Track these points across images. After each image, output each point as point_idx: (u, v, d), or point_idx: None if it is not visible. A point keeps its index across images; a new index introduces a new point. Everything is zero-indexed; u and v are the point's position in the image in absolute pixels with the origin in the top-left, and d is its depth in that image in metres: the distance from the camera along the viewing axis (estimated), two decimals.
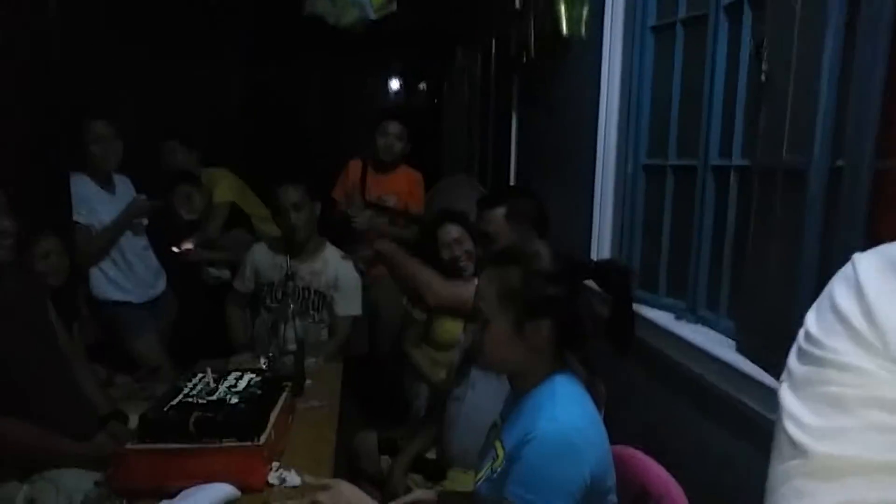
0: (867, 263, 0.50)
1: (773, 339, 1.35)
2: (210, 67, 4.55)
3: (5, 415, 1.65)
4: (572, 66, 2.54)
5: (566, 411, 1.10)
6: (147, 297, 2.84)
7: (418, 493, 1.57)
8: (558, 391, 1.12)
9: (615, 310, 1.21)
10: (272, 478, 1.42)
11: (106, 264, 2.72)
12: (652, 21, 2.02)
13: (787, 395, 0.49)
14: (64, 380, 1.85)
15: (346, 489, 1.26)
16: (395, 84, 5.60)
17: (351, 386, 2.05)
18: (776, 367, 1.32)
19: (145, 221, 2.90)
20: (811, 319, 0.51)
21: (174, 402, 1.50)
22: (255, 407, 1.51)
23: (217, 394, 1.55)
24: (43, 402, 1.72)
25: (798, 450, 0.46)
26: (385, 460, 2.07)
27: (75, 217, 2.61)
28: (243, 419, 1.44)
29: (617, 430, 1.19)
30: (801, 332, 0.52)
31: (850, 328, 0.47)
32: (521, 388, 1.21)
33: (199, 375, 1.66)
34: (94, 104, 2.94)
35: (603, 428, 1.14)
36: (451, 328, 2.33)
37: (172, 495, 1.32)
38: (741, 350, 1.49)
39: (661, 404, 1.82)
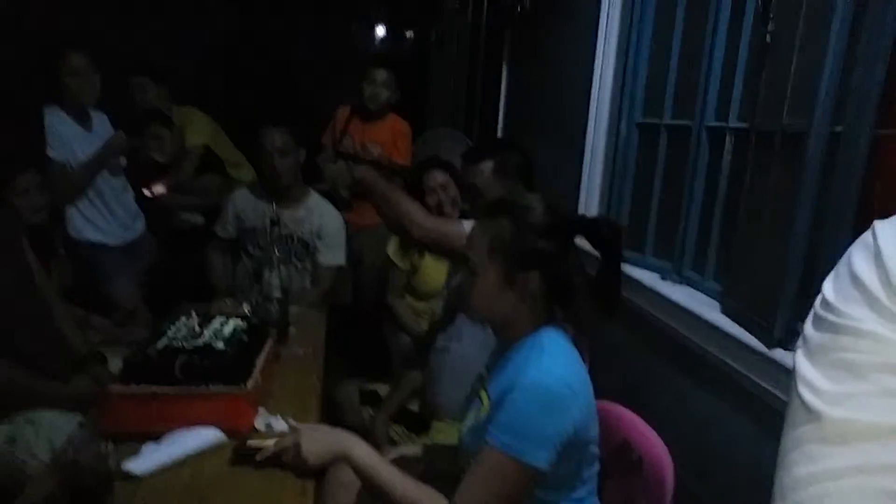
0: (888, 231, 0.49)
1: (759, 301, 1.38)
2: (192, 4, 4.37)
3: None
4: (568, 19, 2.49)
5: (553, 362, 1.11)
6: (125, 240, 2.78)
7: (403, 449, 1.59)
8: (546, 343, 1.13)
9: (603, 268, 1.21)
10: (258, 423, 1.41)
11: (83, 204, 2.64)
12: None
13: (801, 361, 0.50)
14: (41, 320, 1.81)
15: (320, 429, 1.29)
16: (381, 30, 5.44)
17: (333, 336, 2.05)
18: (761, 328, 1.35)
19: (123, 161, 2.81)
20: (828, 286, 0.51)
21: (159, 345, 1.48)
22: (241, 352, 1.49)
23: (202, 338, 1.53)
24: (20, 342, 1.69)
25: (812, 414, 0.46)
26: (367, 411, 2.09)
27: (49, 152, 2.52)
28: (230, 364, 1.43)
29: (600, 387, 1.20)
30: (818, 299, 0.51)
31: (867, 294, 0.47)
32: (507, 340, 1.22)
33: (183, 318, 1.64)
34: (70, 35, 2.80)
35: (588, 380, 1.16)
36: (435, 277, 2.33)
37: (157, 439, 1.32)
38: (726, 311, 1.52)
39: (644, 363, 1.86)
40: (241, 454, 1.28)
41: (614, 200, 2.15)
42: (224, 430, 1.35)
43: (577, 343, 1.20)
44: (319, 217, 2.53)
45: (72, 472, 1.11)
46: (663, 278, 1.84)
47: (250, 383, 1.42)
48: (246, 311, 1.87)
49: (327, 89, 3.88)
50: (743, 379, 1.36)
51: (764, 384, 1.30)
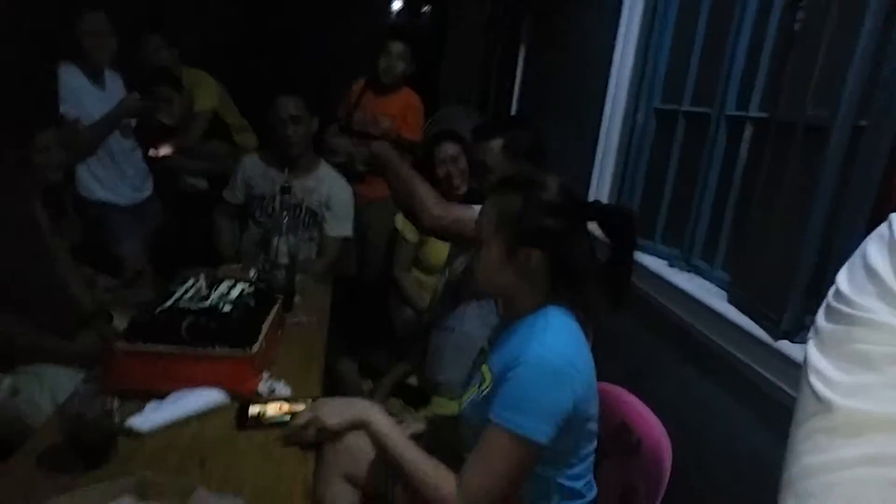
0: None
1: (768, 292, 1.37)
2: None
3: None
4: (590, 1, 2.45)
5: (556, 339, 1.11)
6: (133, 200, 2.78)
7: (407, 425, 1.60)
8: (550, 320, 1.13)
9: (613, 257, 1.21)
10: (262, 387, 1.43)
11: (93, 163, 2.64)
12: None
13: (813, 352, 0.49)
14: (47, 276, 1.82)
15: (336, 399, 1.31)
16: (398, 3, 5.37)
17: (337, 308, 2.05)
18: (768, 320, 1.34)
19: (133, 122, 2.80)
20: (842, 277, 0.50)
21: (166, 305, 1.49)
22: (247, 316, 1.50)
23: (209, 301, 1.53)
24: (26, 298, 1.70)
25: (823, 405, 0.46)
26: (366, 384, 2.11)
27: (62, 109, 2.51)
28: (236, 327, 1.44)
29: (602, 371, 1.20)
30: (832, 291, 0.51)
31: (881, 286, 0.46)
32: (511, 315, 1.23)
33: (192, 280, 1.64)
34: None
35: (591, 358, 1.16)
36: (443, 250, 2.33)
37: (162, 397, 1.33)
38: (733, 301, 1.51)
39: (648, 349, 1.86)
40: (248, 422, 1.29)
41: (627, 185, 2.13)
42: (227, 393, 1.36)
43: (582, 325, 1.20)
44: (329, 188, 2.52)
45: (76, 426, 1.12)
46: (671, 265, 1.83)
47: (255, 347, 1.42)
48: (252, 276, 1.87)
49: (342, 61, 3.84)
50: (747, 369, 1.36)
51: (768, 375, 1.30)
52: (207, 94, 3.18)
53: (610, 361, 1.30)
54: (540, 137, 1.81)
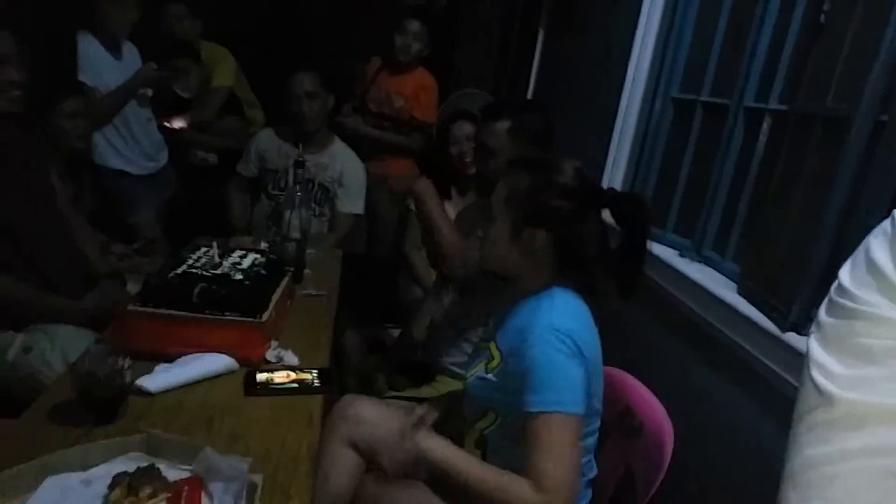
0: None
1: (778, 283, 1.37)
2: None
3: (8, 270, 1.65)
4: None
5: (563, 314, 1.12)
6: (148, 170, 2.80)
7: (419, 412, 1.61)
8: (556, 299, 1.14)
9: (623, 246, 1.20)
10: (270, 355, 1.44)
11: (109, 131, 2.66)
12: None
13: (815, 346, 0.50)
14: (61, 239, 1.84)
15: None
16: None
17: (346, 284, 2.06)
18: (777, 311, 1.35)
19: (150, 92, 2.81)
20: (845, 272, 0.51)
21: (178, 271, 1.50)
22: (258, 285, 1.51)
23: (221, 269, 1.55)
24: (40, 259, 1.72)
25: (824, 397, 0.46)
26: (372, 358, 2.12)
27: (80, 77, 2.53)
28: (246, 295, 1.45)
29: (608, 356, 1.21)
30: (834, 285, 0.51)
31: (883, 281, 0.47)
32: (517, 293, 1.23)
33: (204, 249, 1.65)
34: None
35: (597, 335, 1.17)
36: None
37: (171, 360, 1.34)
38: (742, 292, 1.52)
39: (655, 337, 1.86)
40: (256, 388, 1.31)
41: (641, 173, 2.13)
42: (236, 359, 1.37)
43: (589, 307, 1.20)
44: (342, 164, 2.53)
45: (88, 382, 1.14)
46: (682, 255, 1.83)
47: (265, 315, 1.44)
48: (264, 248, 1.89)
49: (358, 38, 3.82)
50: (754, 361, 1.37)
51: (774, 367, 1.30)
52: (226, 70, 3.18)
53: (616, 347, 1.31)
54: (549, 122, 1.78)
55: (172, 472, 0.98)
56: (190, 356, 1.36)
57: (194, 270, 1.52)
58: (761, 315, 1.40)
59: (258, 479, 0.97)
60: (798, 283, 1.29)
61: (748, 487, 1.38)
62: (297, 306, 1.75)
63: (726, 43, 1.83)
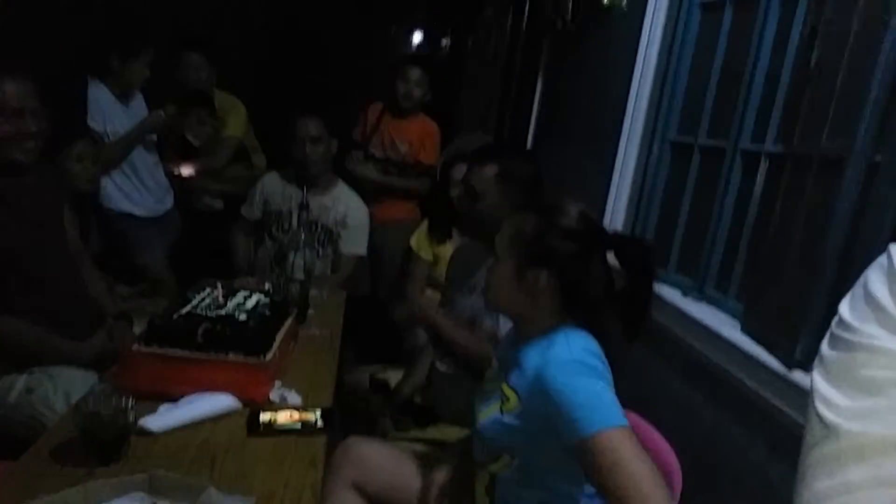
0: None
1: (782, 322, 1.38)
2: None
3: (10, 307, 1.65)
4: (608, 35, 2.50)
5: (579, 348, 1.12)
6: (155, 213, 2.84)
7: (416, 447, 1.60)
8: (570, 335, 1.15)
9: (628, 289, 1.20)
10: (274, 395, 1.44)
11: (117, 175, 2.71)
12: None
13: (818, 379, 0.51)
14: (70, 279, 1.85)
15: None
16: (419, 33, 5.50)
17: (349, 325, 2.07)
18: (781, 349, 1.35)
19: (155, 137, 2.87)
20: (845, 306, 0.52)
21: (183, 311, 1.51)
22: (262, 326, 1.52)
23: (226, 309, 1.56)
24: (49, 300, 1.73)
25: (829, 430, 0.47)
26: (375, 399, 2.11)
27: (89, 122, 2.59)
28: (250, 335, 1.46)
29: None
30: (835, 319, 0.53)
31: (882, 313, 0.48)
32: (524, 335, 1.24)
33: (208, 290, 1.67)
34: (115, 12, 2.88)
35: (609, 368, 1.17)
36: None
37: (174, 400, 1.34)
38: (747, 331, 1.52)
39: (661, 377, 1.86)
40: (259, 428, 1.30)
41: (641, 214, 2.15)
42: (240, 399, 1.37)
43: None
44: (345, 207, 2.57)
45: (91, 422, 1.13)
46: (685, 294, 1.84)
47: (269, 355, 1.44)
48: (268, 289, 1.90)
49: (361, 85, 3.91)
50: (760, 399, 1.36)
51: (781, 405, 1.30)
52: (237, 120, 3.22)
53: (622, 386, 1.30)
54: (537, 165, 1.79)
55: None
56: (193, 396, 1.35)
57: (199, 311, 1.53)
58: (766, 353, 1.40)
59: None
60: (801, 321, 1.30)
61: None
62: (300, 347, 1.75)
63: (721, 87, 1.88)
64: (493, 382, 1.33)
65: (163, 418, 1.27)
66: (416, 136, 3.14)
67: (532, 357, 1.17)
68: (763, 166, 1.65)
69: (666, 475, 1.20)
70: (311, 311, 1.96)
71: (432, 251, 2.46)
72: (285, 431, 1.31)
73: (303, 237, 1.99)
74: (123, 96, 2.72)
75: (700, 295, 1.80)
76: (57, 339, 1.73)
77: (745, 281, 1.68)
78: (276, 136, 3.18)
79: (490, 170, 1.68)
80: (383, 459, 1.36)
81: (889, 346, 0.47)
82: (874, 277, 0.51)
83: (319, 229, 2.53)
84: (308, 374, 1.60)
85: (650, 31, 2.16)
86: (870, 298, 0.50)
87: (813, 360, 1.27)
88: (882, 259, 0.52)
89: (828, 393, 0.50)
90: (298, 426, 1.32)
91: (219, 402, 1.35)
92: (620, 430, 1.01)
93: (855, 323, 0.50)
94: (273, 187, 2.61)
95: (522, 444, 1.17)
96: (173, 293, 2.37)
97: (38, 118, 1.70)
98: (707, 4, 1.97)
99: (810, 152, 1.37)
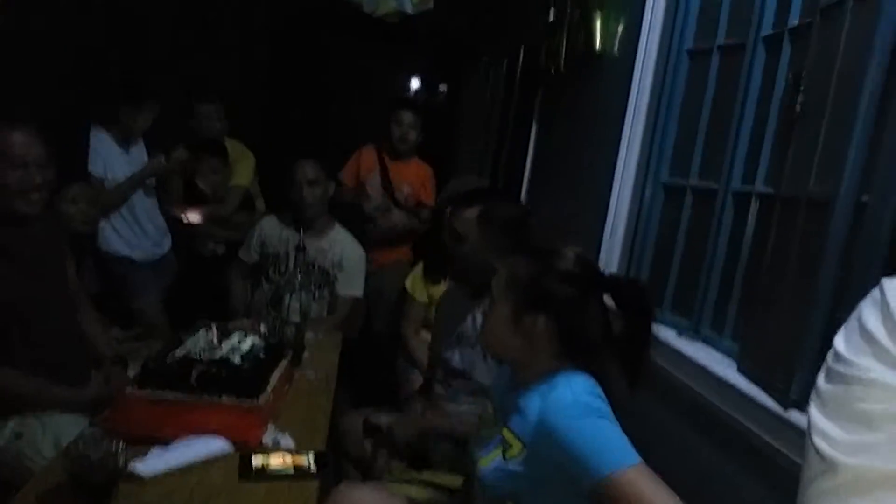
0: (895, 286, 0.52)
1: (777, 362, 1.37)
2: (237, 37, 4.55)
3: (9, 357, 1.64)
4: (600, 81, 2.57)
5: (581, 391, 1.12)
6: (152, 257, 2.86)
7: (411, 491, 1.57)
8: (571, 377, 1.14)
9: (626, 332, 1.20)
10: (267, 438, 1.42)
11: (116, 219, 2.74)
12: (689, 44, 2.04)
13: (815, 413, 0.51)
14: (69, 327, 1.85)
15: None
16: (416, 81, 5.62)
17: (344, 367, 2.06)
18: (777, 388, 1.34)
19: (154, 181, 2.90)
20: (840, 340, 0.53)
21: (177, 354, 1.51)
22: (256, 368, 1.51)
23: (220, 352, 1.55)
24: (48, 349, 1.72)
25: (827, 464, 0.47)
26: (369, 443, 2.08)
27: (90, 168, 2.63)
28: (245, 378, 1.45)
29: None
30: (830, 353, 0.53)
31: (877, 347, 0.49)
32: (523, 379, 1.23)
33: (202, 332, 1.66)
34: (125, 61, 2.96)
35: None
36: None
37: (166, 444, 1.32)
38: (743, 371, 1.51)
39: (657, 417, 1.84)
40: (251, 472, 1.28)
41: (636, 256, 2.17)
42: (233, 442, 1.35)
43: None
44: (342, 249, 2.58)
45: (80, 465, 1.12)
46: (680, 335, 1.84)
47: (262, 398, 1.43)
48: (263, 331, 1.89)
49: (358, 129, 3.98)
50: (757, 439, 1.35)
51: (778, 445, 1.28)
52: (246, 170, 3.25)
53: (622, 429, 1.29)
54: (522, 208, 1.79)
55: None
56: (185, 439, 1.34)
57: (193, 354, 1.52)
58: (763, 393, 1.40)
59: None
60: (796, 361, 1.30)
61: None
62: (295, 389, 1.74)
63: (711, 130, 1.92)
64: (490, 428, 1.31)
65: (153, 462, 1.25)
66: (415, 178, 3.20)
67: (533, 401, 1.15)
68: (754, 207, 1.67)
69: None
70: (306, 354, 1.96)
71: (427, 293, 2.47)
72: (278, 476, 1.29)
73: (299, 279, 2.00)
74: (125, 142, 2.77)
75: (695, 335, 1.80)
76: (55, 388, 1.71)
77: (739, 321, 1.68)
78: (275, 180, 3.23)
79: (472, 213, 1.70)
80: None
81: (884, 378, 0.48)
82: (868, 311, 0.52)
83: (316, 271, 2.54)
84: (302, 416, 1.58)
85: (640, 76, 2.22)
86: (864, 332, 0.51)
87: (808, 400, 1.27)
88: (875, 293, 0.53)
89: (825, 426, 0.50)
90: (291, 470, 1.31)
91: (210, 445, 1.34)
92: (634, 468, 1.01)
93: (850, 356, 0.51)
94: (270, 230, 2.63)
95: (527, 490, 1.16)
96: (167, 337, 2.37)
97: (43, 169, 1.69)
98: (694, 51, 2.03)
99: (798, 195, 1.39)
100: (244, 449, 1.36)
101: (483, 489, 1.25)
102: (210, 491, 1.21)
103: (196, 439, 1.34)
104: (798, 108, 1.46)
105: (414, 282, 2.50)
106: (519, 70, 3.85)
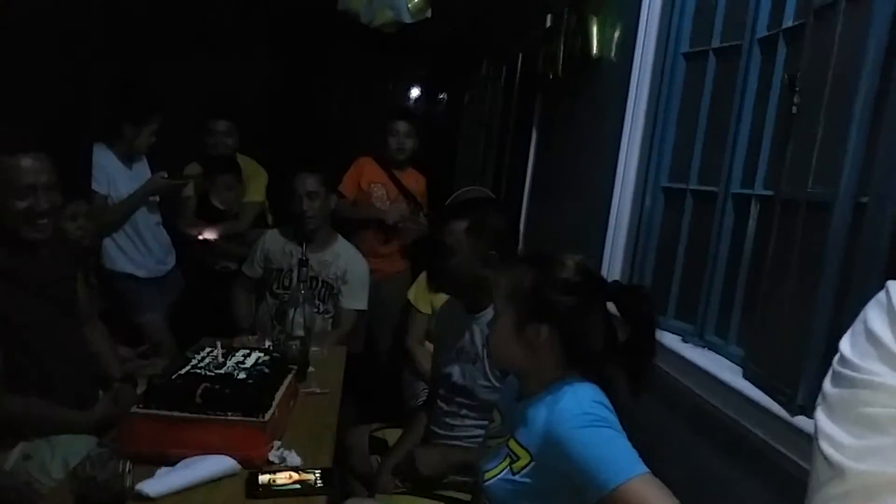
0: None
1: (782, 367, 1.37)
2: (239, 53, 4.58)
3: (18, 383, 1.65)
4: (598, 86, 2.57)
5: (587, 400, 1.12)
6: (157, 273, 2.87)
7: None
8: (576, 387, 1.14)
9: (630, 340, 1.21)
10: (273, 456, 1.42)
11: (119, 237, 2.75)
12: (685, 47, 2.04)
13: (822, 418, 0.51)
14: (78, 349, 1.85)
15: None
16: (416, 90, 5.64)
17: (348, 382, 2.06)
18: (783, 394, 1.33)
19: (158, 198, 2.92)
20: (845, 344, 0.53)
21: (182, 371, 1.51)
22: (261, 384, 1.51)
23: (225, 368, 1.56)
24: (57, 372, 1.73)
25: (834, 469, 0.47)
26: (375, 459, 2.07)
27: (94, 186, 2.65)
28: (250, 395, 1.45)
29: None
30: (836, 357, 0.53)
31: (883, 350, 0.48)
32: (529, 390, 1.23)
33: (208, 349, 1.67)
34: (128, 76, 2.98)
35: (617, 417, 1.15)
36: None
37: (173, 463, 1.33)
38: (748, 376, 1.50)
39: (662, 424, 1.83)
40: (258, 490, 1.28)
41: (638, 261, 2.16)
42: (239, 460, 1.36)
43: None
44: (346, 261, 2.59)
45: (87, 487, 1.12)
46: (685, 341, 1.83)
47: (268, 415, 1.43)
48: (268, 346, 1.90)
49: (359, 141, 4.00)
50: (764, 445, 1.34)
51: (785, 451, 1.27)
52: (259, 186, 3.27)
53: (628, 436, 1.29)
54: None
55: None
56: (192, 459, 1.34)
57: (198, 371, 1.53)
58: (769, 399, 1.39)
59: None
60: (800, 366, 1.29)
61: None
62: (300, 405, 1.74)
63: (709, 132, 1.91)
64: (497, 439, 1.31)
65: (160, 482, 1.26)
66: (414, 186, 3.21)
67: (539, 412, 1.15)
68: (754, 210, 1.67)
69: None
70: (311, 369, 1.96)
71: (431, 304, 2.47)
72: (284, 493, 1.29)
73: (302, 293, 2.00)
74: (128, 160, 2.79)
75: (700, 341, 1.79)
76: (62, 411, 1.72)
77: (743, 325, 1.67)
78: (275, 193, 3.24)
79: (459, 225, 1.70)
80: None
81: (891, 382, 0.47)
82: (873, 314, 0.52)
83: (320, 285, 2.54)
84: (308, 432, 1.59)
85: (638, 80, 2.22)
86: (870, 335, 0.51)
87: (815, 405, 1.26)
88: (881, 296, 0.53)
89: (832, 431, 0.50)
90: (297, 487, 1.31)
91: (217, 464, 1.34)
92: (641, 478, 1.01)
93: (856, 360, 0.50)
94: (273, 245, 2.64)
95: (535, 502, 1.15)
96: (173, 354, 2.38)
97: (50, 194, 1.67)
98: (690, 54, 2.03)
99: (797, 197, 1.38)
100: (250, 466, 1.36)
101: (490, 501, 1.25)
102: None
103: (203, 458, 1.34)
104: (794, 109, 1.46)
105: (417, 293, 2.50)
106: (518, 77, 3.86)
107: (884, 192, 1.18)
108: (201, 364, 1.57)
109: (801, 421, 1.27)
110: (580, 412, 1.09)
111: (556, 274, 1.20)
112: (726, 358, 1.67)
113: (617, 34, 2.40)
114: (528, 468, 1.15)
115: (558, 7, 2.88)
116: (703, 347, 1.78)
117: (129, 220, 2.77)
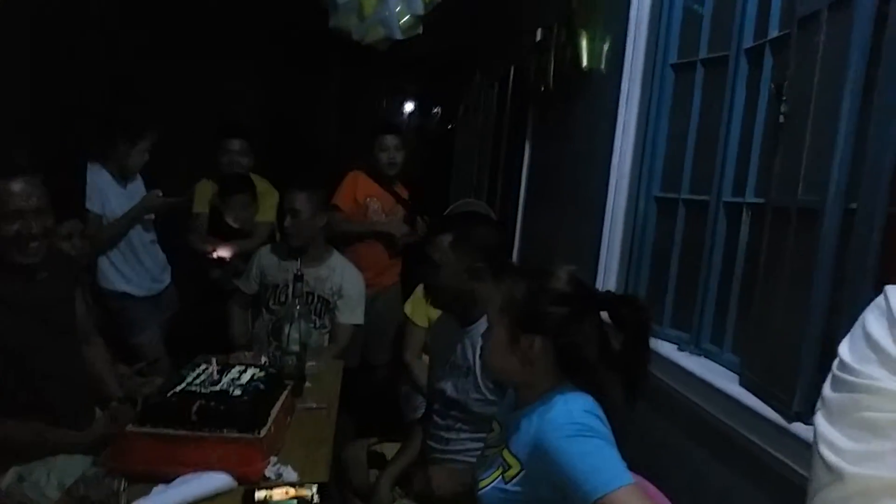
0: None
1: (777, 374, 1.37)
2: (230, 69, 4.61)
3: (12, 405, 1.64)
4: (589, 98, 2.59)
5: (577, 410, 1.12)
6: (152, 291, 2.87)
7: None
8: (568, 396, 1.14)
9: (625, 349, 1.21)
10: (269, 472, 1.41)
11: (114, 255, 2.75)
12: (673, 58, 2.07)
13: (821, 422, 0.51)
14: (74, 370, 1.84)
15: None
16: (410, 105, 5.68)
17: (345, 396, 2.05)
18: (779, 401, 1.34)
19: (153, 216, 2.92)
20: (844, 348, 0.53)
21: (177, 389, 1.51)
22: (257, 401, 1.51)
23: (220, 385, 1.55)
24: (53, 394, 1.72)
25: (833, 473, 0.47)
26: (373, 473, 2.06)
27: (88, 205, 2.65)
28: (245, 411, 1.45)
29: None
30: (835, 362, 0.53)
31: (882, 354, 0.49)
32: (524, 400, 1.23)
33: (203, 366, 1.66)
34: (120, 96, 2.99)
35: (610, 428, 1.16)
36: None
37: (169, 481, 1.32)
38: (744, 384, 1.51)
39: (659, 433, 1.83)
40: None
41: (632, 272, 2.17)
42: (235, 476, 1.35)
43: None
44: (341, 277, 2.59)
45: None
46: (680, 349, 1.83)
47: (264, 431, 1.42)
48: (264, 362, 1.90)
49: (353, 157, 4.02)
50: (761, 452, 1.34)
51: (783, 458, 1.27)
52: (271, 205, 3.25)
53: (621, 445, 1.29)
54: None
55: None
56: (187, 476, 1.33)
57: (193, 388, 1.52)
58: (765, 406, 1.39)
59: None
60: (796, 373, 1.29)
61: None
62: (296, 420, 1.73)
63: (699, 142, 1.93)
64: (494, 448, 1.31)
65: (156, 501, 1.25)
66: (406, 197, 3.23)
67: (531, 421, 1.16)
68: (746, 217, 1.68)
69: None
70: (307, 384, 1.95)
71: (427, 317, 2.47)
72: None
73: (297, 309, 2.00)
74: (122, 178, 2.80)
75: (696, 349, 1.79)
76: (59, 432, 1.71)
77: (739, 333, 1.68)
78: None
79: (445, 238, 1.70)
80: None
81: (890, 387, 0.48)
82: (872, 319, 0.52)
83: (315, 300, 2.54)
84: (304, 448, 1.58)
85: (628, 91, 2.23)
86: (869, 339, 0.51)
87: (811, 411, 1.26)
88: (880, 300, 0.53)
89: (831, 435, 0.50)
90: (294, 503, 1.30)
91: (213, 481, 1.33)
92: (627, 489, 1.01)
93: (855, 364, 0.51)
94: (269, 260, 2.64)
95: None
96: (168, 372, 2.37)
97: (41, 216, 1.65)
98: (679, 65, 2.05)
99: (788, 205, 1.40)
100: (247, 483, 1.35)
101: None
102: None
103: (198, 475, 1.34)
104: (782, 117, 1.47)
105: (414, 306, 2.50)
106: (510, 89, 3.89)
107: (872, 197, 1.20)
108: (196, 381, 1.56)
109: (797, 427, 1.28)
110: (569, 422, 1.09)
111: (549, 285, 1.21)
112: (722, 366, 1.67)
113: (606, 46, 2.42)
114: (518, 477, 1.15)
115: (548, 21, 2.91)
116: (699, 355, 1.78)
117: (124, 239, 2.77)
